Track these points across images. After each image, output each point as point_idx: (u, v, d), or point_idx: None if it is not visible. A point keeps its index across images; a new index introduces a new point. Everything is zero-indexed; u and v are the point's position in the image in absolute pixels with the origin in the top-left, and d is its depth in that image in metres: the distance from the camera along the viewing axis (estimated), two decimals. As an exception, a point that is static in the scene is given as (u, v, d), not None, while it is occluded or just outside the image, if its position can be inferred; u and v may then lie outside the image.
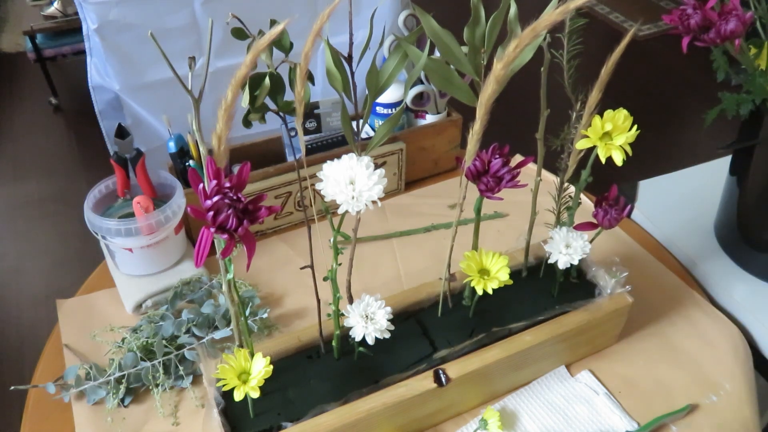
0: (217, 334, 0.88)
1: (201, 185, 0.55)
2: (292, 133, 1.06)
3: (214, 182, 0.55)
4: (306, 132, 1.11)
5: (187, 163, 1.04)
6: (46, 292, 2.08)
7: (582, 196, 0.93)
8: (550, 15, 0.56)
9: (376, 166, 0.63)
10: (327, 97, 1.09)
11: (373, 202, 0.62)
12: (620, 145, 0.73)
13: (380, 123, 1.17)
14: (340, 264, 0.71)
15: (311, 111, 1.09)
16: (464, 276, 0.77)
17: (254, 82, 0.63)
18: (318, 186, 0.63)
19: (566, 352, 0.87)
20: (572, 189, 0.84)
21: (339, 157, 0.63)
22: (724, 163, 1.03)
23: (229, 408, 0.74)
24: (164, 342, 0.87)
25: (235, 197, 0.55)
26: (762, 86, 0.82)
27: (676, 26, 0.81)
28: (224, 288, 0.67)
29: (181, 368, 0.86)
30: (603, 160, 0.74)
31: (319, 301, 0.76)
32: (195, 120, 0.59)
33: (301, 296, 0.99)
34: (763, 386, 0.93)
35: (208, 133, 0.56)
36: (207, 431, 0.79)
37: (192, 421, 0.83)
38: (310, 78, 0.62)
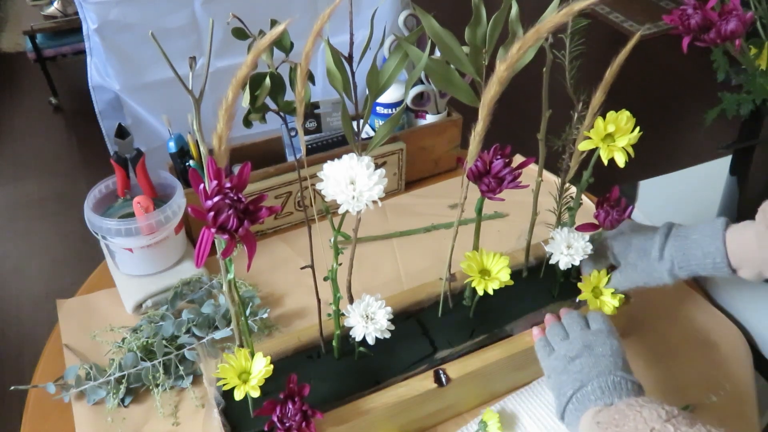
0: (217, 334, 0.88)
1: (202, 185, 0.55)
2: (293, 133, 1.06)
3: (215, 182, 0.55)
4: (306, 132, 1.11)
5: (187, 163, 1.04)
6: (46, 292, 2.08)
7: (583, 196, 0.93)
8: (553, 17, 0.56)
9: (377, 166, 0.63)
10: (327, 97, 1.09)
11: (374, 202, 0.62)
12: (623, 147, 0.73)
13: (380, 123, 1.17)
14: (340, 264, 0.71)
15: (311, 111, 1.09)
16: (465, 276, 0.77)
17: (255, 82, 0.63)
18: (318, 186, 0.63)
19: (566, 352, 0.87)
20: (573, 190, 0.84)
21: (339, 157, 0.63)
22: (724, 163, 1.03)
23: (230, 408, 0.74)
24: (164, 342, 0.87)
25: (235, 197, 0.55)
26: (762, 86, 0.82)
27: (677, 26, 0.81)
28: (224, 288, 0.67)
29: (181, 368, 0.86)
30: (605, 162, 0.74)
31: (319, 301, 0.76)
32: (195, 120, 0.59)
33: (301, 296, 0.99)
34: (763, 386, 0.93)
35: (209, 133, 0.56)
36: (207, 431, 0.80)
37: (192, 421, 0.83)
38: (311, 78, 0.62)
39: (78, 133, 2.83)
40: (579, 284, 0.83)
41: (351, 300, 0.78)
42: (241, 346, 0.72)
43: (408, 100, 1.15)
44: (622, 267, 0.82)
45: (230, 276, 0.65)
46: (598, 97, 0.72)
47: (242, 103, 0.63)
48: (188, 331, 0.89)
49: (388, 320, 0.72)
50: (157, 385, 0.84)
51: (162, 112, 1.05)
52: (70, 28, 2.76)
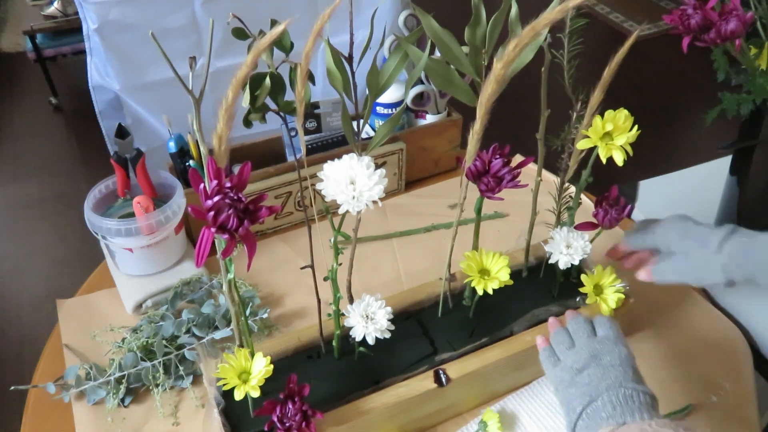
0: (217, 334, 0.88)
1: (202, 185, 0.55)
2: (293, 133, 1.06)
3: (215, 182, 0.55)
4: (306, 132, 1.11)
5: (187, 163, 1.04)
6: (46, 292, 2.08)
7: (582, 196, 0.93)
8: (549, 14, 0.56)
9: (377, 166, 0.63)
10: (327, 97, 1.09)
11: (374, 202, 0.62)
12: (621, 146, 0.73)
13: (380, 123, 1.17)
14: (340, 264, 0.71)
15: (311, 111, 1.09)
16: (464, 276, 0.77)
17: (255, 82, 0.63)
18: (318, 186, 0.63)
19: (566, 352, 0.87)
20: (572, 189, 0.84)
21: (339, 157, 0.63)
22: (724, 163, 1.03)
23: (230, 408, 0.74)
24: (164, 342, 0.87)
25: (235, 197, 0.55)
26: (762, 86, 0.82)
27: (677, 26, 0.81)
28: (224, 288, 0.67)
29: (181, 368, 0.86)
30: (604, 161, 0.74)
31: (319, 301, 0.76)
32: (195, 120, 0.59)
33: (301, 296, 0.99)
34: (763, 386, 0.93)
35: (209, 133, 0.56)
36: (207, 431, 0.80)
37: (192, 421, 0.83)
38: (311, 78, 0.62)
39: (78, 133, 2.83)
40: (582, 276, 0.83)
41: (351, 300, 0.78)
42: (241, 346, 0.72)
43: (408, 100, 1.15)
44: (674, 256, 0.77)
45: (230, 276, 0.65)
46: (596, 96, 0.72)
47: (242, 103, 0.63)
48: (188, 331, 0.89)
49: (388, 320, 0.72)
50: (157, 385, 0.85)
51: (162, 112, 1.05)
52: (70, 28, 2.76)
